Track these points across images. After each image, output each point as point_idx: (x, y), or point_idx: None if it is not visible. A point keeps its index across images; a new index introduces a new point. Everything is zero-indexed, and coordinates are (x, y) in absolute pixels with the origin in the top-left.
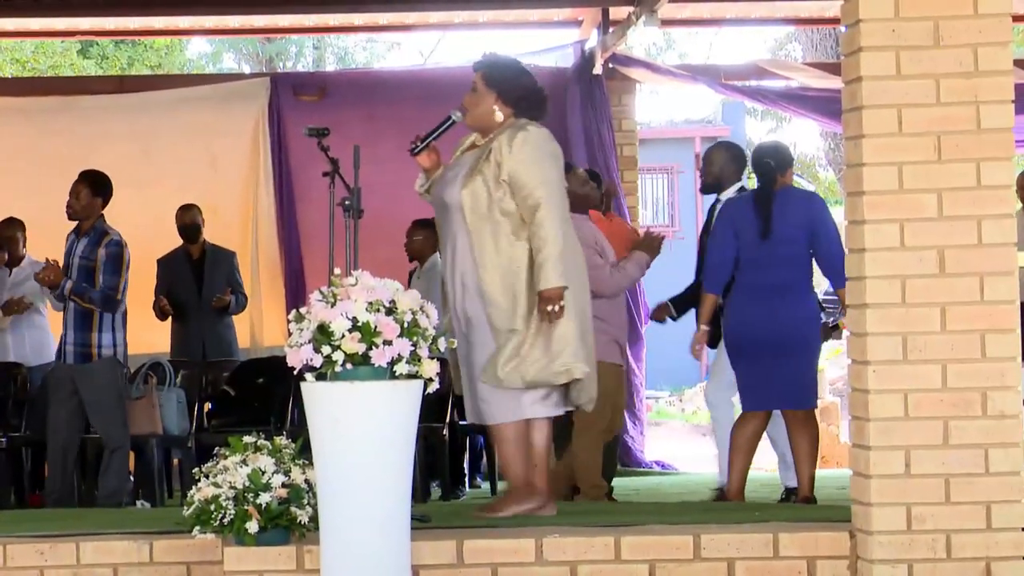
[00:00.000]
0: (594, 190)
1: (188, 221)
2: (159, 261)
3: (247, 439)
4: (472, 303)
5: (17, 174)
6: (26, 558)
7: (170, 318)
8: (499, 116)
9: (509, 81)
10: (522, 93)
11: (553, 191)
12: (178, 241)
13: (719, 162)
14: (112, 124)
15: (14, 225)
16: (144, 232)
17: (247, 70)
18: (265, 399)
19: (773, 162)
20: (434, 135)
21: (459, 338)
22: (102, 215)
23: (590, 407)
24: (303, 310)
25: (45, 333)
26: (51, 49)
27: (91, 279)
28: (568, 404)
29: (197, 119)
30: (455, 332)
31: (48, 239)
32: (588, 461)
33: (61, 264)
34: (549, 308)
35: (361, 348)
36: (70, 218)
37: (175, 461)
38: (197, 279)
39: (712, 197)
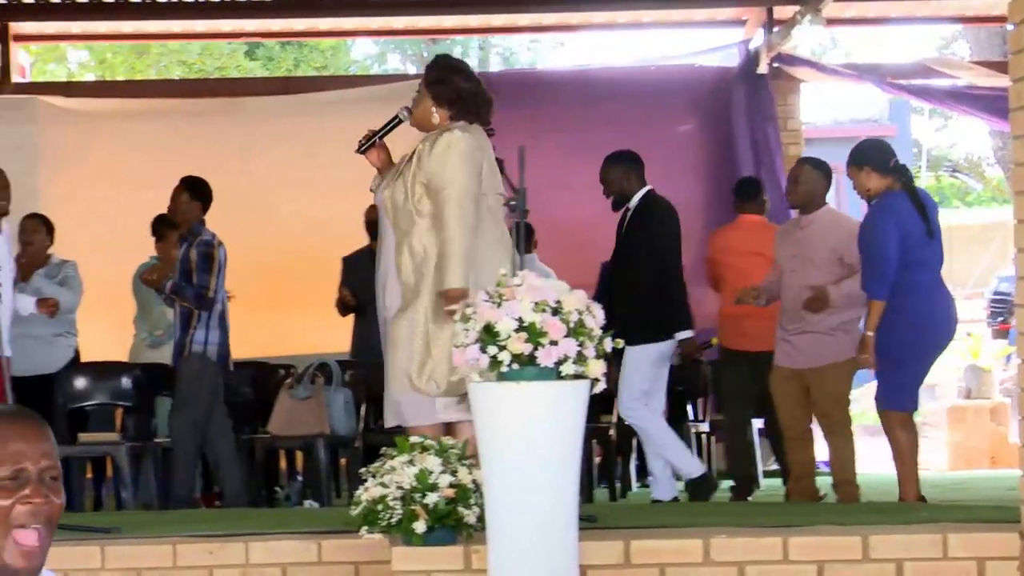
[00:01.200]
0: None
1: (375, 218)
2: (345, 259)
3: (414, 439)
4: (392, 302)
5: (178, 172)
6: (195, 557)
7: (353, 316)
8: (436, 118)
9: (444, 83)
10: (456, 95)
11: (462, 193)
12: (352, 242)
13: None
14: (277, 125)
15: (35, 223)
16: (316, 231)
17: (412, 71)
18: None
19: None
20: (380, 134)
21: (383, 338)
22: (202, 219)
23: None
24: (469, 310)
25: None
26: (218, 51)
27: (191, 280)
28: None
29: (362, 120)
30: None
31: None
32: (844, 459)
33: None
34: (447, 308)
35: (527, 348)
36: (171, 222)
37: (342, 461)
38: None
39: None
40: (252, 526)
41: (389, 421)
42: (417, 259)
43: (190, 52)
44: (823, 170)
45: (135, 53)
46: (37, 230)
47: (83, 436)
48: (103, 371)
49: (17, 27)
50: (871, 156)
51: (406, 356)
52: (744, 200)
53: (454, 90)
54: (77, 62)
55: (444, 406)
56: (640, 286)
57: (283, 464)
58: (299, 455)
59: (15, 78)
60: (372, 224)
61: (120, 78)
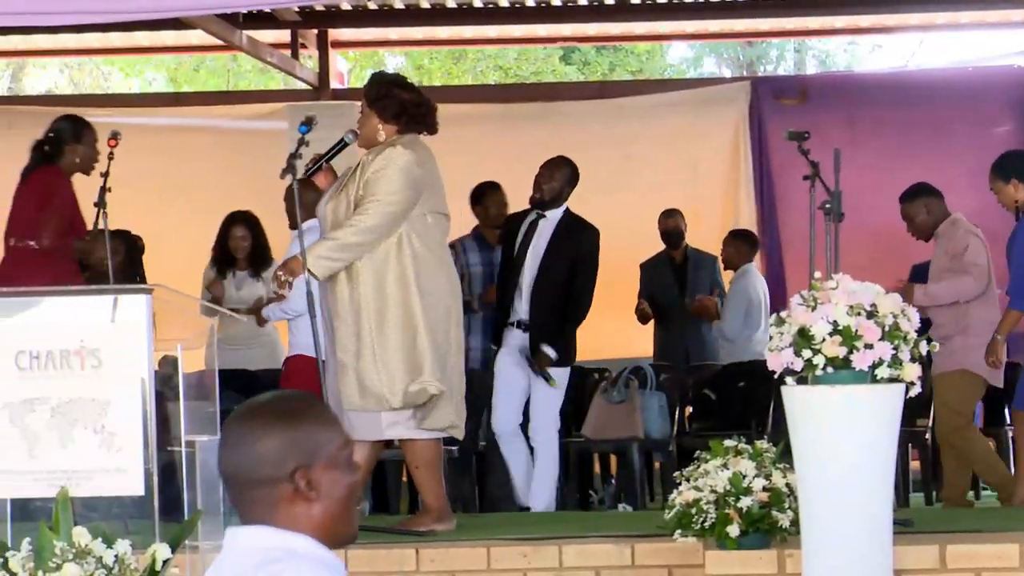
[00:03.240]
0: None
1: (671, 226)
2: (642, 266)
3: (728, 443)
4: (335, 317)
5: (491, 176)
6: (510, 560)
7: (653, 322)
8: (383, 134)
9: (386, 98)
10: (400, 108)
11: (388, 203)
12: (659, 245)
13: None
14: (593, 130)
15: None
16: (626, 236)
17: (728, 74)
18: (746, 403)
19: None
20: (326, 157)
21: (327, 351)
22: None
23: (456, 432)
24: (784, 314)
25: None
26: (533, 56)
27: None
28: (428, 426)
29: (677, 124)
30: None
31: None
32: (948, 472)
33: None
34: (276, 271)
35: (842, 352)
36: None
37: (656, 465)
38: (679, 284)
39: None
40: (566, 529)
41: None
42: (352, 274)
43: (506, 57)
44: None
45: (452, 58)
46: None
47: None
48: None
49: (336, 34)
50: (1018, 168)
51: (353, 371)
52: None
53: (398, 103)
54: (394, 68)
55: (390, 423)
56: None
57: (597, 468)
58: (613, 459)
59: (333, 84)
60: (669, 233)
61: (436, 83)
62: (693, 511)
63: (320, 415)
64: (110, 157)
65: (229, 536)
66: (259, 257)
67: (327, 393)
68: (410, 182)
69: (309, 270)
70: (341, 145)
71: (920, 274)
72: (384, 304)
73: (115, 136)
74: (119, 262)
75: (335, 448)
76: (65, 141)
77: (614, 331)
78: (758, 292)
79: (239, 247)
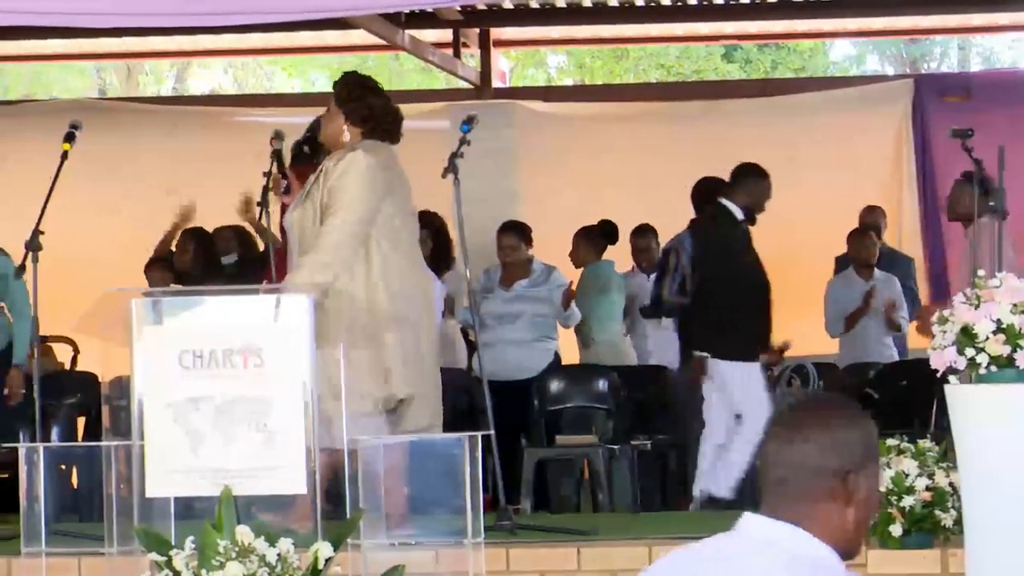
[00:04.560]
0: None
1: (871, 222)
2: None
3: (890, 442)
4: None
5: (662, 178)
6: None
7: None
8: (347, 136)
9: (357, 100)
10: (368, 113)
11: (350, 214)
12: (820, 243)
13: None
14: (756, 128)
15: (510, 238)
16: (789, 235)
17: (891, 72)
18: (908, 402)
19: None
20: (282, 172)
21: None
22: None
23: (435, 431)
24: (946, 312)
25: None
26: (696, 54)
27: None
28: (404, 428)
29: (840, 122)
30: None
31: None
32: None
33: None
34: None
35: (1006, 350)
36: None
37: None
38: None
39: None
40: (727, 526)
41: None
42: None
43: (668, 55)
44: None
45: (613, 57)
46: (515, 247)
47: (560, 438)
48: (580, 374)
49: (498, 32)
50: None
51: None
52: None
53: (366, 107)
54: (556, 66)
55: (362, 428)
56: None
57: None
58: None
59: (495, 83)
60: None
61: (598, 82)
62: None
63: (872, 425)
64: (272, 157)
65: (746, 521)
66: (440, 257)
67: None
68: (372, 187)
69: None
70: (276, 155)
71: None
72: (353, 308)
73: (278, 136)
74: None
75: (875, 460)
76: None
77: (806, 328)
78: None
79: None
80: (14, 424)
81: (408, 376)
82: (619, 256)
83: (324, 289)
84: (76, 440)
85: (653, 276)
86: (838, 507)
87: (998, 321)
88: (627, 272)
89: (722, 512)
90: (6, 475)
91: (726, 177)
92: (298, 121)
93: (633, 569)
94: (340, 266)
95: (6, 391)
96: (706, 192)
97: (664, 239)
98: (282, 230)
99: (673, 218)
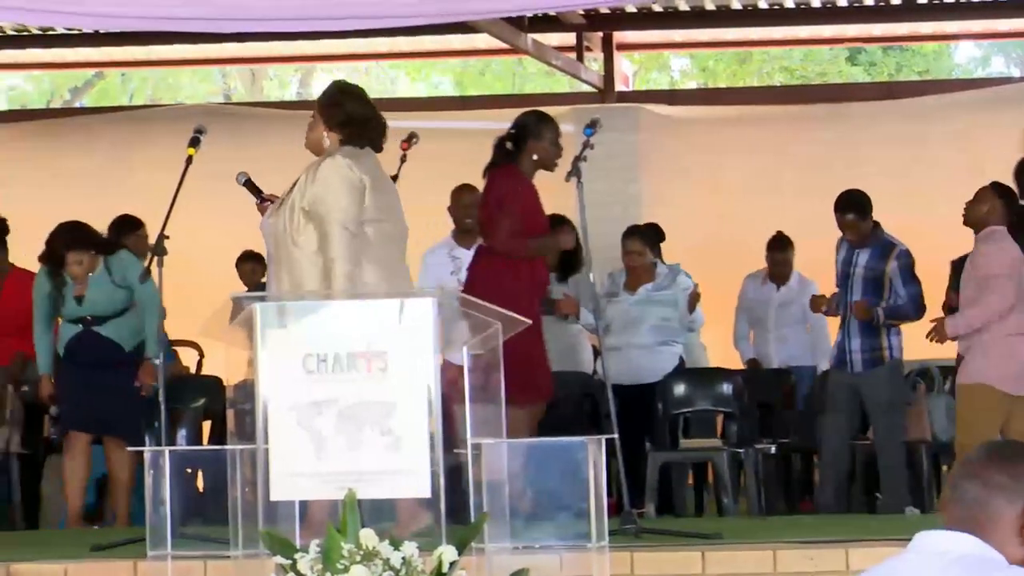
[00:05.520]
0: None
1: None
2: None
3: None
4: None
5: (786, 181)
6: (796, 563)
7: None
8: (327, 142)
9: (334, 107)
10: (345, 119)
11: (343, 223)
12: (950, 245)
13: None
14: (881, 131)
15: (639, 236)
16: (924, 237)
17: (1016, 73)
18: None
19: None
20: (258, 197)
21: None
22: (877, 224)
23: None
24: None
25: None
26: (820, 57)
27: (878, 290)
28: None
29: (965, 124)
30: None
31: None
32: None
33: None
34: None
35: None
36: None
37: (943, 468)
38: None
39: None
40: (852, 532)
41: None
42: (296, 286)
43: (792, 58)
44: None
45: (737, 60)
46: (640, 251)
47: (685, 442)
48: (705, 378)
49: (621, 36)
50: None
51: None
52: None
53: (344, 113)
54: (679, 70)
55: None
56: None
57: None
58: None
59: (618, 87)
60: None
61: (721, 85)
62: None
63: None
64: (402, 160)
65: (921, 538)
66: (568, 261)
67: None
68: (356, 193)
69: None
70: (248, 184)
71: None
72: None
73: (410, 139)
74: None
75: None
76: (525, 137)
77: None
78: None
79: None
80: (139, 427)
81: None
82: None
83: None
84: (202, 443)
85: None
86: (1018, 541)
87: None
88: (754, 277)
89: (842, 518)
90: None
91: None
92: (422, 125)
93: (758, 573)
94: (351, 267)
95: (137, 382)
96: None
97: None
98: None
99: (796, 221)
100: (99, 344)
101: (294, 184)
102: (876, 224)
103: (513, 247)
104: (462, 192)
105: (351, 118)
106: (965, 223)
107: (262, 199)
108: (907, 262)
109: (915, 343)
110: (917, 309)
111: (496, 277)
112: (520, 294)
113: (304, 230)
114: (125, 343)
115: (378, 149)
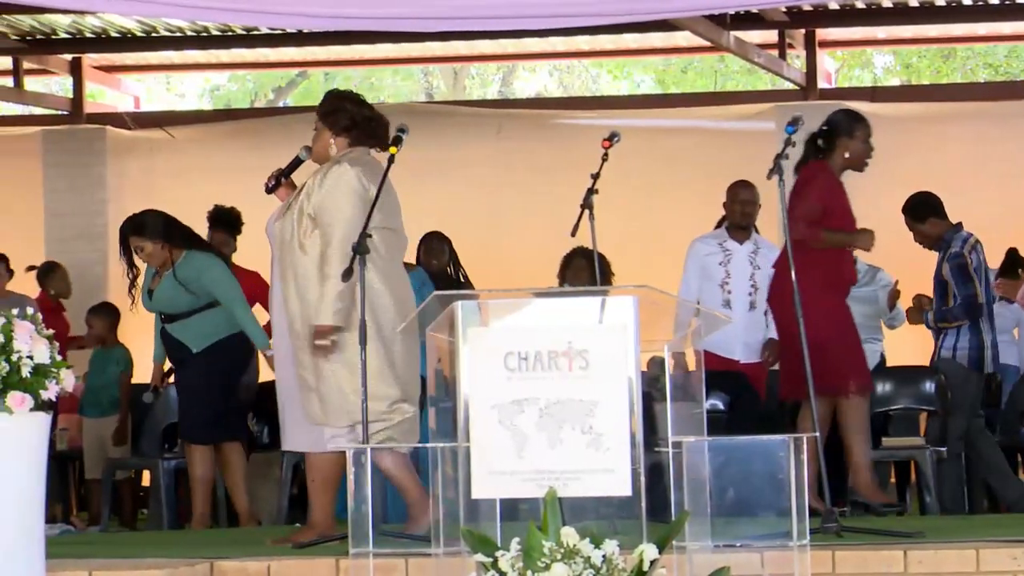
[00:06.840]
0: None
1: None
2: None
3: None
4: (280, 329)
5: (978, 172)
6: (999, 562)
7: None
8: (334, 149)
9: (336, 112)
10: (350, 122)
11: (347, 231)
12: None
13: None
14: None
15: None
16: None
17: None
18: None
19: None
20: (285, 173)
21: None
22: (956, 225)
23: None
24: None
25: None
26: None
27: (944, 295)
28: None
29: None
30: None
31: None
32: None
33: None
34: (317, 343)
35: None
36: None
37: None
38: None
39: None
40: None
41: (285, 445)
42: (301, 293)
43: (996, 54)
44: None
45: (940, 56)
46: None
47: (886, 440)
48: (907, 375)
49: (823, 33)
50: None
51: (314, 388)
52: None
53: (347, 117)
54: (882, 67)
55: (332, 435)
56: None
57: None
58: None
59: (821, 84)
60: None
61: (925, 82)
62: None
63: None
64: (604, 159)
65: None
66: None
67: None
68: (357, 200)
69: (335, 326)
70: (298, 162)
71: None
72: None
73: (611, 138)
74: None
75: None
76: (837, 134)
77: None
78: None
79: None
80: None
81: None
82: None
83: (347, 312)
84: None
85: None
86: None
87: None
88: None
89: None
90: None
91: None
92: (624, 123)
93: (962, 572)
94: (344, 289)
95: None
96: None
97: (995, 238)
98: None
99: (1003, 217)
100: (169, 343)
101: (301, 188)
102: (955, 225)
103: (807, 235)
104: (738, 188)
105: (355, 121)
106: None
107: (275, 181)
108: (958, 263)
109: None
110: (967, 311)
111: (801, 270)
112: (826, 289)
113: (311, 235)
114: (192, 343)
115: (384, 146)
